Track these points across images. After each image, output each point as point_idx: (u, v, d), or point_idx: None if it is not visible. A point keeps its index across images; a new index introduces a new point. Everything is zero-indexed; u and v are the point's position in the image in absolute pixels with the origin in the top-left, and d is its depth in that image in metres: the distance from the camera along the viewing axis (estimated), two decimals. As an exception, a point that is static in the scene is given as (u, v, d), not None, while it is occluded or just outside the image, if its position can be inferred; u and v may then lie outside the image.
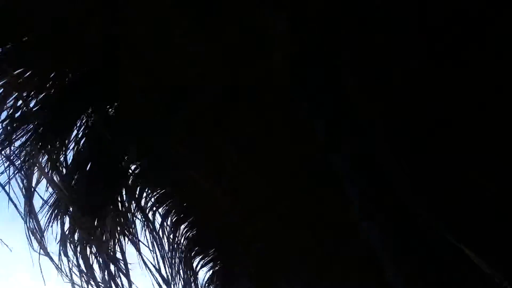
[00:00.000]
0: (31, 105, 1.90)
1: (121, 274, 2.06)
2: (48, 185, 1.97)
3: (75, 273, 2.01)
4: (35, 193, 1.98)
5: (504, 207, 2.27)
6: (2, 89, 1.77)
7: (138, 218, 2.35)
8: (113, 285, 2.03)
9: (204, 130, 2.26)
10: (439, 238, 2.25)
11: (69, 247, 2.00)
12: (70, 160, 2.00)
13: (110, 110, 2.14)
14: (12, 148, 1.90)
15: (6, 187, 1.92)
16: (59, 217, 2.00)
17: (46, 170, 1.89)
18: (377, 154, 1.68)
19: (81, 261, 2.01)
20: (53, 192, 2.02)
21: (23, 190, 1.96)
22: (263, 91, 2.09)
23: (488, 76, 2.00)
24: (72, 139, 2.02)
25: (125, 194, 2.29)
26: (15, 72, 1.80)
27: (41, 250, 1.98)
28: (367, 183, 1.62)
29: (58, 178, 1.91)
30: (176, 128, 2.19)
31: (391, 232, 1.53)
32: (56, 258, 2.03)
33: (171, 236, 2.58)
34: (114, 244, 2.10)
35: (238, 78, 2.04)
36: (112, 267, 2.03)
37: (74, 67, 1.98)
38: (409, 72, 2.05)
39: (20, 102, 1.81)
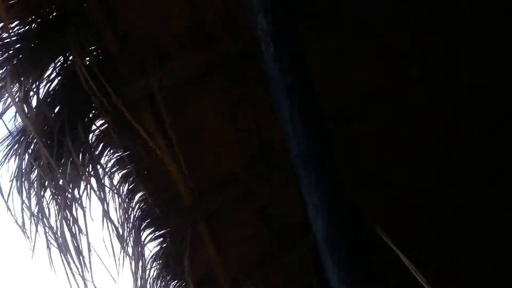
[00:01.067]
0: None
1: (74, 222, 2.00)
2: (14, 117, 1.91)
3: (26, 214, 1.94)
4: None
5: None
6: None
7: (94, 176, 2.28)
8: (66, 229, 1.96)
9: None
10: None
11: (24, 187, 1.92)
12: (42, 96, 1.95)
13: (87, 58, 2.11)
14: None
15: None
16: (19, 151, 1.93)
17: (16, 100, 1.83)
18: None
19: (33, 202, 1.93)
20: (19, 125, 1.96)
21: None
22: None
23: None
24: (45, 76, 1.98)
25: (85, 150, 2.23)
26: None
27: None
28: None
29: (27, 110, 1.86)
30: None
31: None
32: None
33: (126, 202, 2.53)
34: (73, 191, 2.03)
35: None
36: (67, 212, 1.97)
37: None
38: None
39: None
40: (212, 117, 2.80)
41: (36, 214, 1.92)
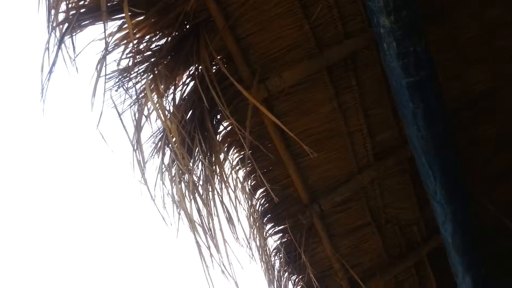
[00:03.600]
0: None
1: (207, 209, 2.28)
2: (155, 119, 2.25)
3: (168, 203, 2.26)
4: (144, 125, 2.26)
5: None
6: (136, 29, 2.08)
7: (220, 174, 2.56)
8: (199, 219, 2.24)
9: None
10: None
11: (167, 178, 2.24)
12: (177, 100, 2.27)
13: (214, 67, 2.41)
14: (130, 81, 2.20)
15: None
16: (161, 150, 2.26)
17: (156, 104, 2.15)
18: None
19: (175, 193, 2.24)
20: (159, 127, 2.30)
21: (134, 122, 2.24)
22: None
23: None
24: (180, 84, 2.30)
25: (214, 148, 2.51)
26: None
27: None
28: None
29: (166, 113, 2.18)
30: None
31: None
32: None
33: (249, 197, 2.78)
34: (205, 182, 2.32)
35: None
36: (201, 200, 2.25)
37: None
38: None
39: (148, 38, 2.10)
40: (324, 120, 2.97)
41: (176, 201, 2.22)
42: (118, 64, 2.10)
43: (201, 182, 2.30)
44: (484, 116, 3.42)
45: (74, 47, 1.96)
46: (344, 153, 3.10)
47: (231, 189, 2.53)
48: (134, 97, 2.18)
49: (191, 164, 2.22)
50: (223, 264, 2.29)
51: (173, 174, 2.25)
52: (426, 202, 2.94)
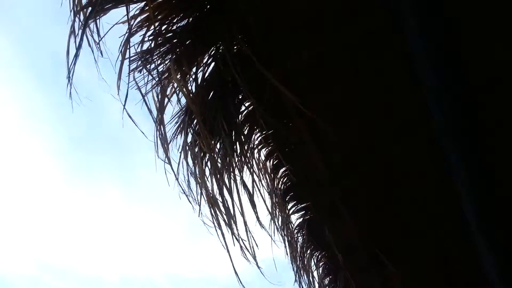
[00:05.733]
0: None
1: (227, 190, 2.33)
2: (179, 99, 2.30)
3: (190, 181, 2.32)
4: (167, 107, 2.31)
5: None
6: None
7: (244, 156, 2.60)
8: (220, 198, 2.30)
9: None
10: None
11: (189, 157, 2.30)
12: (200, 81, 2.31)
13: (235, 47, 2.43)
14: (152, 63, 2.24)
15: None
16: (184, 130, 2.31)
17: (180, 84, 2.20)
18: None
19: (197, 171, 2.29)
20: (182, 108, 2.35)
21: (157, 103, 2.29)
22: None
23: None
24: (202, 64, 2.33)
25: (236, 128, 2.55)
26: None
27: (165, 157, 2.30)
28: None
29: (189, 93, 2.22)
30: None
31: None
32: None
33: (271, 177, 2.82)
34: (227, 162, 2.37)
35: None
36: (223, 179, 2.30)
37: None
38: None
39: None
40: (346, 98, 2.97)
41: (199, 180, 2.28)
42: (141, 47, 2.14)
43: (223, 161, 2.34)
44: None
45: (98, 31, 2.01)
46: (365, 131, 3.10)
47: (253, 168, 2.58)
48: (157, 78, 2.23)
49: (213, 143, 2.26)
50: (243, 242, 2.35)
51: (195, 153, 2.30)
52: (448, 181, 2.95)
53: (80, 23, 1.94)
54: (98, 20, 2.01)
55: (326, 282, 3.38)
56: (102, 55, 1.94)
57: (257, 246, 2.47)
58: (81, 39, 1.90)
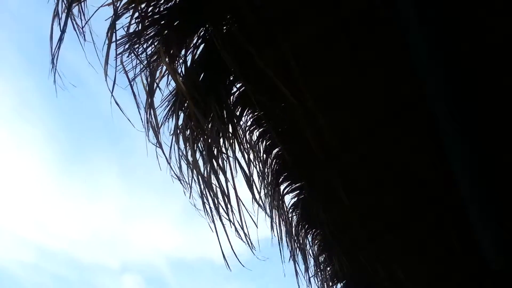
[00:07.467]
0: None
1: (220, 171, 2.33)
2: (168, 82, 2.27)
3: (182, 163, 2.31)
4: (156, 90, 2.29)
5: None
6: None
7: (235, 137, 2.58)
8: (213, 177, 2.30)
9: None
10: None
11: (180, 140, 2.29)
12: (189, 63, 2.28)
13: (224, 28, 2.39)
14: (140, 46, 2.21)
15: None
16: (175, 113, 2.29)
17: (170, 67, 2.17)
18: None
19: (189, 153, 2.29)
20: (171, 91, 2.33)
21: (147, 87, 2.26)
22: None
23: None
24: (191, 46, 2.30)
25: (227, 110, 2.53)
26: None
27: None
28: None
29: (178, 76, 2.20)
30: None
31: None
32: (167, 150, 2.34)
33: (264, 157, 2.81)
34: (219, 144, 2.36)
35: None
36: (214, 163, 2.30)
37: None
38: None
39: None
40: (342, 77, 2.94)
41: (191, 163, 2.27)
42: (128, 29, 2.11)
43: (215, 143, 2.33)
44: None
45: (83, 14, 1.98)
46: (362, 110, 3.07)
47: (246, 149, 2.57)
48: (145, 62, 2.20)
49: (204, 126, 2.25)
50: (238, 224, 2.36)
51: (187, 137, 2.29)
52: (445, 159, 2.94)
53: (64, 5, 1.91)
54: (83, 3, 1.98)
55: (322, 259, 3.40)
56: (85, 38, 1.91)
57: (256, 226, 2.48)
58: (65, 23, 1.87)
